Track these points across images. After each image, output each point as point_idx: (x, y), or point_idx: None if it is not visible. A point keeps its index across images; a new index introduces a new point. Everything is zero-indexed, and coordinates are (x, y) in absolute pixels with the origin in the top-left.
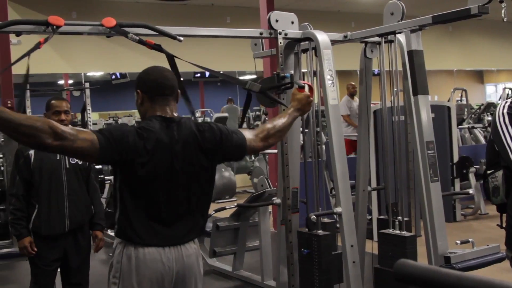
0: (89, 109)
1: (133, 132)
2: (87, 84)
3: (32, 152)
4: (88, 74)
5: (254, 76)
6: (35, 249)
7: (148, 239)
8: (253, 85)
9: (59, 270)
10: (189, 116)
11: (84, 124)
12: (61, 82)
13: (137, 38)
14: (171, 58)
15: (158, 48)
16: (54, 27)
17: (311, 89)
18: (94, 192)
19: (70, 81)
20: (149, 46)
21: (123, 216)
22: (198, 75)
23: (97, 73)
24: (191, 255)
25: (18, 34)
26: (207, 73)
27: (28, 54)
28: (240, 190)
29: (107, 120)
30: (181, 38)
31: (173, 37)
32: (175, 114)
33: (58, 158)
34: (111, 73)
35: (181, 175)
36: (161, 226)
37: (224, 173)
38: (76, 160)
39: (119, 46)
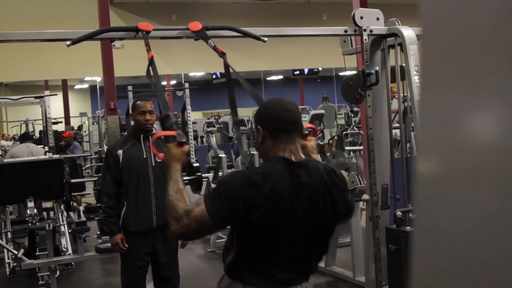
0: (188, 109)
1: (245, 182)
2: (186, 85)
3: (120, 151)
4: (190, 74)
5: (354, 72)
6: (126, 245)
7: (259, 282)
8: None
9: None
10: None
11: (184, 122)
12: (164, 83)
13: (213, 44)
14: (226, 67)
15: (222, 56)
16: (144, 32)
17: (313, 129)
18: None
19: (173, 82)
20: (218, 54)
21: (237, 261)
22: (297, 72)
23: (198, 73)
24: None
25: (111, 40)
26: (306, 70)
27: (151, 66)
28: None
29: (208, 119)
30: (265, 39)
31: (257, 38)
32: (302, 155)
33: (144, 156)
34: (211, 73)
35: (302, 224)
36: (275, 270)
37: None
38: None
39: (218, 46)
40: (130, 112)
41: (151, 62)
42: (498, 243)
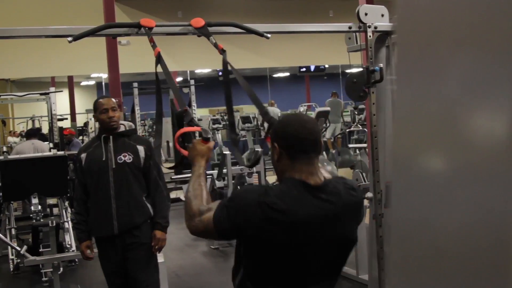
0: (194, 105)
1: (258, 203)
2: (192, 81)
3: (84, 155)
4: (196, 71)
5: (361, 69)
6: (92, 253)
7: None
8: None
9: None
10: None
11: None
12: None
13: (214, 41)
14: (224, 65)
15: (222, 53)
16: (147, 28)
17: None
18: (155, 190)
19: (179, 79)
20: (218, 51)
21: (247, 280)
22: (304, 69)
23: (204, 70)
24: None
25: (114, 36)
26: (312, 67)
27: (161, 64)
28: None
29: (214, 116)
30: (269, 35)
31: (260, 34)
32: (321, 177)
33: (104, 159)
34: (218, 69)
35: (314, 253)
36: None
37: (327, 167)
38: (126, 158)
39: (223, 43)
40: (93, 112)
41: (158, 58)
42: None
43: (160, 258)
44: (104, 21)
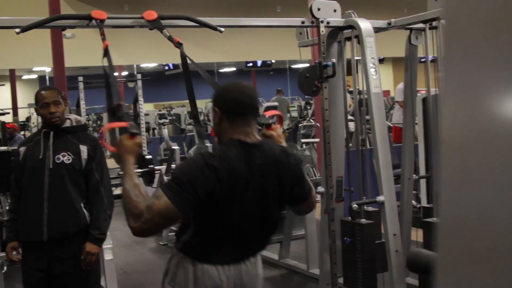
0: (141, 100)
1: (203, 167)
2: (139, 76)
3: (23, 148)
4: (142, 65)
5: (307, 65)
6: (18, 256)
7: (209, 258)
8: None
9: None
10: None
11: (136, 115)
12: (115, 74)
13: (168, 34)
14: (183, 58)
15: (178, 46)
16: (98, 20)
17: (280, 117)
18: (94, 196)
19: (125, 73)
20: (174, 44)
21: (189, 237)
22: (250, 64)
23: (150, 64)
24: (250, 272)
25: (63, 28)
26: (259, 63)
27: (106, 56)
28: None
29: (160, 111)
30: (222, 29)
31: (213, 28)
32: (257, 136)
33: (41, 156)
34: (164, 64)
35: (255, 203)
36: (226, 247)
37: None
38: (65, 158)
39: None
40: (35, 105)
41: (106, 51)
42: None
43: (109, 255)
44: (49, 13)
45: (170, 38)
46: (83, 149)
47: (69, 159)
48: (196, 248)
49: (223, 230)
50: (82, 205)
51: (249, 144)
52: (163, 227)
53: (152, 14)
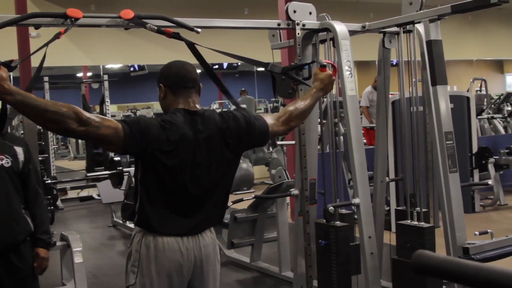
0: (107, 101)
1: (157, 124)
2: (105, 77)
3: None
4: (106, 66)
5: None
6: None
7: (167, 229)
8: (274, 67)
9: None
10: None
11: (103, 115)
12: (80, 74)
13: (155, 27)
14: (191, 46)
15: (177, 36)
16: (73, 19)
17: (334, 68)
18: (35, 200)
19: (89, 74)
20: (168, 35)
21: (143, 206)
22: (216, 66)
23: (115, 65)
24: (208, 245)
25: (37, 27)
26: (225, 65)
27: (47, 44)
28: (257, 182)
29: (125, 112)
30: (199, 30)
31: (190, 29)
32: (198, 107)
33: None
34: (129, 65)
35: (203, 167)
36: (181, 217)
37: (242, 164)
38: (4, 161)
39: (137, 38)
40: None
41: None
42: None
43: (78, 258)
44: (15, 13)
45: (159, 31)
46: (19, 151)
47: (8, 162)
48: (150, 218)
49: (173, 194)
50: (23, 210)
51: (192, 111)
52: (103, 143)
53: (129, 13)
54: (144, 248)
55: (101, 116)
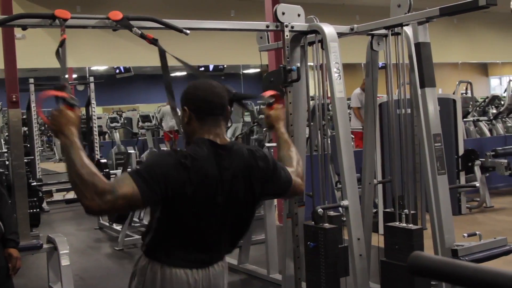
0: (93, 103)
1: (176, 164)
2: (91, 78)
3: None
4: (92, 68)
5: (258, 70)
6: None
7: (178, 262)
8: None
9: None
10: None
11: (88, 118)
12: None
13: (139, 32)
14: (162, 53)
15: (154, 43)
16: (61, 20)
17: (277, 96)
18: None
19: (75, 75)
20: (148, 41)
21: (158, 242)
22: (202, 69)
23: (101, 67)
24: (218, 274)
25: (24, 28)
26: (211, 67)
27: (59, 48)
28: None
29: (111, 114)
30: (188, 31)
31: (179, 30)
32: (226, 138)
33: None
34: (115, 67)
35: (224, 208)
36: (195, 252)
37: None
38: None
39: (123, 40)
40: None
41: (62, 43)
42: None
43: (65, 261)
44: (0, 13)
45: (142, 36)
46: None
47: None
48: (161, 251)
49: (190, 233)
50: None
51: (219, 145)
52: (124, 211)
53: (117, 14)
54: (150, 274)
55: (113, 184)
